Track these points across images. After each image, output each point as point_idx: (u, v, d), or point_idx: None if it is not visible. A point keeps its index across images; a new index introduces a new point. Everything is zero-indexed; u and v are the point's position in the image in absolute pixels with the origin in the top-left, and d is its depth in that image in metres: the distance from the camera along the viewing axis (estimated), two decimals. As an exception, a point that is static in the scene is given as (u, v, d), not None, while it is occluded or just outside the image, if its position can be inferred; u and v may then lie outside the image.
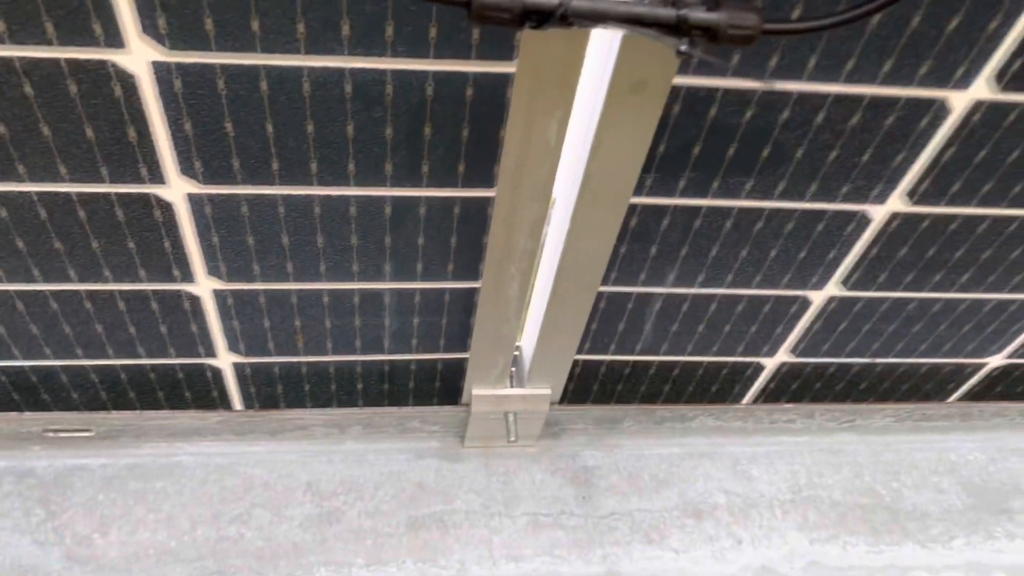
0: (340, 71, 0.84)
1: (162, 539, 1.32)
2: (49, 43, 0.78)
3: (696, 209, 1.07)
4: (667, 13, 0.72)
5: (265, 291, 1.13)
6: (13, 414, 1.31)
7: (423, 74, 0.86)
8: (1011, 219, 1.13)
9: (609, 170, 0.94)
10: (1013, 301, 1.31)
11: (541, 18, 0.71)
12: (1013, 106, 0.96)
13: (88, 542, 1.30)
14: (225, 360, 1.26)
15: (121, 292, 1.11)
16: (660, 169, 1.01)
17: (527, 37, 0.80)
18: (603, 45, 0.82)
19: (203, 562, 1.30)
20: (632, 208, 1.06)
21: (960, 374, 1.49)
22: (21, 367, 1.23)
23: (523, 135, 0.90)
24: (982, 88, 0.93)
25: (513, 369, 1.39)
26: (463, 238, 1.08)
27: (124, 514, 1.33)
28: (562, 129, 0.89)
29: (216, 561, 1.31)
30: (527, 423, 1.40)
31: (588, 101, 0.88)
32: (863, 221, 1.12)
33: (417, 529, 1.37)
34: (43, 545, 1.29)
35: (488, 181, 1.00)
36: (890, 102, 0.94)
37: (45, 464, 1.36)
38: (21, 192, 0.94)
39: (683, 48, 0.73)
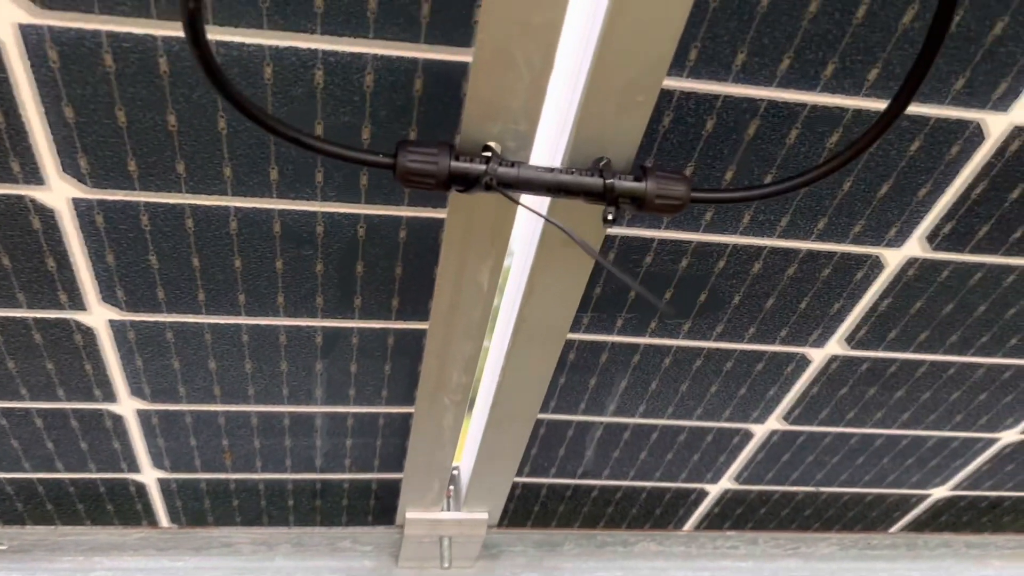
0: (268, 212, 0.83)
1: (70, 663, 1.24)
2: (-37, 178, 0.76)
3: (634, 346, 1.06)
4: (594, 182, 0.72)
5: (191, 411, 1.10)
6: (-79, 524, 1.25)
7: (355, 217, 0.84)
8: (948, 364, 1.14)
9: (542, 313, 0.93)
10: (955, 438, 1.31)
11: (467, 183, 0.70)
12: (946, 263, 0.97)
13: (-10, 666, 1.22)
14: (150, 476, 1.21)
15: (38, 410, 1.06)
16: (597, 309, 1.00)
17: (456, 195, 0.79)
18: (533, 201, 0.82)
19: None
20: (570, 343, 1.05)
21: (905, 504, 1.48)
22: (-69, 478, 1.17)
23: (455, 280, 0.88)
24: (915, 247, 0.94)
25: (451, 488, 1.35)
26: (398, 366, 1.06)
27: (32, 634, 1.26)
28: (494, 276, 0.88)
29: None
30: (464, 546, 1.36)
31: (523, 249, 0.87)
32: (802, 362, 1.11)
33: (344, 656, 1.31)
34: (-60, 669, 1.21)
35: (423, 315, 0.98)
36: (826, 255, 0.95)
37: (-48, 577, 1.29)
38: (-67, 314, 0.91)
39: (610, 216, 0.72)
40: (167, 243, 0.85)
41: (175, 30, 0.67)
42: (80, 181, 0.78)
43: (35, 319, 0.93)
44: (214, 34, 0.67)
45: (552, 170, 0.71)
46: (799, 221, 0.90)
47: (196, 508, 1.30)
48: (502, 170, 0.70)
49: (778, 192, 0.74)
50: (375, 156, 0.69)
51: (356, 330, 0.99)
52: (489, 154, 0.71)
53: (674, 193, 0.73)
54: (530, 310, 0.91)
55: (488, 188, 0.70)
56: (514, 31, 0.65)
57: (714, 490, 1.40)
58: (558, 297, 0.90)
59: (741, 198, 0.75)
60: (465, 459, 1.33)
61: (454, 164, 0.69)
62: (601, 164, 0.74)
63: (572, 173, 0.72)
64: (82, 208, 0.80)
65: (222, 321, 0.96)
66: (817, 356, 1.10)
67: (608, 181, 0.71)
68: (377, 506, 1.34)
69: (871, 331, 1.06)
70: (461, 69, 0.71)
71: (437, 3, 0.66)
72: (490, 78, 0.69)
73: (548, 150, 0.78)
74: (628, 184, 0.72)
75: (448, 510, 1.32)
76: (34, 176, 0.77)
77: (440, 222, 0.86)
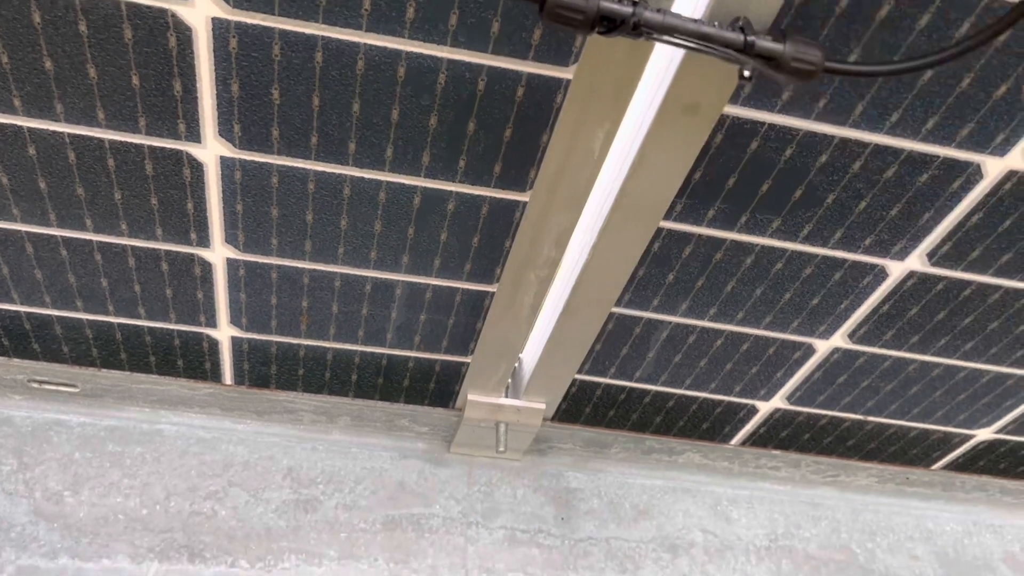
0: (397, 53, 0.84)
1: (134, 506, 1.29)
2: (114, -17, 0.78)
3: (720, 241, 1.08)
4: (735, 37, 0.73)
5: (279, 266, 1.12)
6: (0, 359, 1.29)
7: (478, 67, 0.86)
8: (1023, 292, 1.15)
9: (646, 188, 0.94)
10: (1011, 376, 1.32)
11: (612, 25, 0.72)
12: (1044, 180, 0.98)
13: (58, 499, 1.27)
14: (225, 332, 1.25)
15: (134, 248, 1.09)
16: (692, 196, 1.01)
17: (592, 42, 0.80)
18: (662, 61, 0.83)
19: (172, 534, 1.28)
20: (658, 232, 1.06)
21: (947, 443, 1.50)
22: (17, 312, 1.20)
23: (569, 141, 0.90)
24: (1017, 158, 0.95)
25: (510, 381, 1.38)
26: (485, 239, 1.08)
27: (98, 475, 1.30)
28: (608, 141, 0.89)
29: (186, 535, 1.28)
30: (517, 436, 1.39)
31: (636, 117, 0.88)
32: (880, 275, 1.13)
33: (393, 528, 1.35)
34: (11, 496, 1.26)
35: (521, 185, 1.00)
36: (927, 159, 0.96)
37: (24, 415, 1.33)
38: (54, 132, 0.93)
39: (747, 73, 0.73)
40: (293, 78, 0.87)
41: None
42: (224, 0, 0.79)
43: (150, 147, 0.95)
44: None
45: (696, 21, 0.73)
46: (909, 119, 0.91)
47: (262, 372, 1.33)
48: (648, 14, 0.71)
49: (910, 69, 0.75)
50: (527, -12, 0.70)
51: (455, 195, 1.01)
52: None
53: (810, 58, 0.74)
54: (635, 183, 0.93)
55: (635, 29, 0.71)
56: None
57: (764, 408, 1.42)
58: (665, 172, 0.92)
59: (874, 72, 0.76)
60: (527, 353, 1.35)
61: (603, 3, 0.70)
62: (739, 22, 0.75)
63: (714, 26, 0.73)
64: (220, 30, 0.82)
65: (329, 170, 0.98)
66: (896, 270, 1.12)
67: (749, 37, 0.73)
68: (436, 390, 1.38)
69: (954, 248, 1.08)
70: (615, -86, 0.72)
71: None
72: (648, -80, 0.70)
73: (688, 4, 0.79)
74: (767, 43, 0.73)
75: (507, 397, 1.36)
76: (180, -11, 0.79)
77: (559, 83, 0.87)
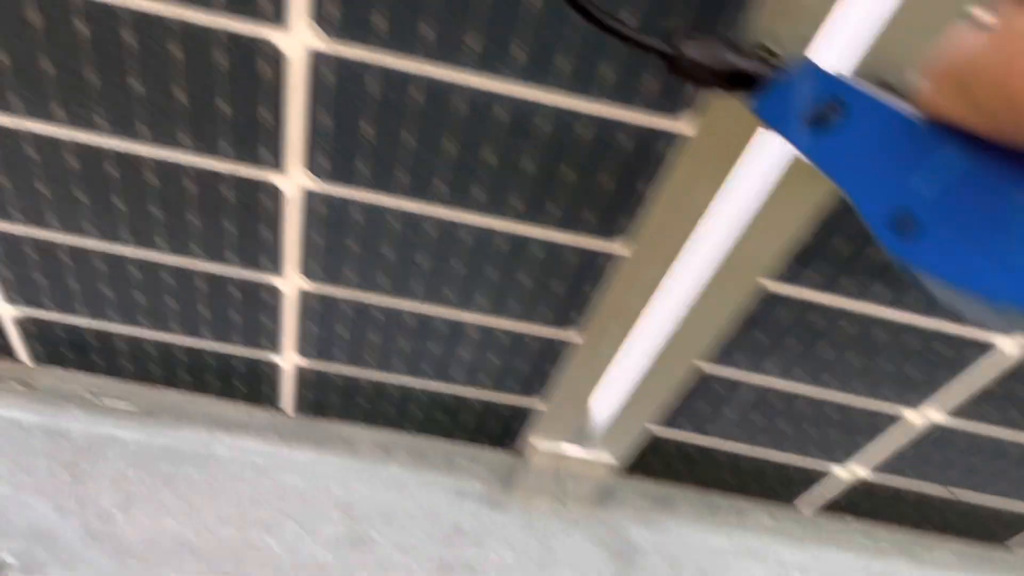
0: (497, 96, 0.79)
1: (184, 530, 1.25)
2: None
3: (822, 308, 1.01)
4: (882, 103, 0.66)
5: (352, 300, 1.08)
6: (59, 370, 1.26)
7: (578, 114, 0.80)
8: None
9: (757, 253, 0.87)
10: (1121, 463, 1.23)
11: (745, 82, 0.65)
12: None
13: (109, 517, 1.24)
14: (290, 360, 1.21)
15: (204, 273, 1.06)
16: (800, 259, 0.94)
17: (710, 100, 0.74)
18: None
19: (221, 563, 1.24)
20: (757, 292, 1.00)
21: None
22: (81, 326, 1.18)
23: (674, 193, 0.84)
24: None
25: (578, 429, 1.32)
26: (570, 287, 1.02)
27: (151, 495, 1.27)
28: (714, 196, 0.83)
29: (235, 565, 1.24)
30: (580, 486, 1.33)
31: (750, 173, 0.82)
32: (994, 354, 1.05)
33: (446, 571, 1.30)
34: (63, 513, 1.23)
35: (612, 234, 0.94)
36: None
37: (80, 428, 1.31)
38: (137, 156, 0.89)
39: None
40: (388, 114, 0.82)
41: None
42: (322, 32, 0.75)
43: (235, 176, 0.91)
44: None
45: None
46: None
47: (323, 402, 1.29)
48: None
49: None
50: (656, 41, 0.64)
51: (542, 242, 0.96)
52: (772, 56, 0.66)
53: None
54: (747, 245, 0.86)
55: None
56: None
57: (843, 475, 1.34)
58: (781, 236, 0.85)
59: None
60: (601, 398, 1.29)
61: (739, 60, 0.64)
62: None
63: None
64: (319, 62, 0.78)
65: (415, 210, 0.93)
66: (1015, 349, 1.03)
67: (897, 103, 0.66)
68: (500, 432, 1.32)
69: (1080, 330, 0.99)
70: (754, -38, 0.66)
71: None
72: (795, -28, 0.63)
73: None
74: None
75: (574, 445, 1.30)
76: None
77: (657, 134, 0.81)
